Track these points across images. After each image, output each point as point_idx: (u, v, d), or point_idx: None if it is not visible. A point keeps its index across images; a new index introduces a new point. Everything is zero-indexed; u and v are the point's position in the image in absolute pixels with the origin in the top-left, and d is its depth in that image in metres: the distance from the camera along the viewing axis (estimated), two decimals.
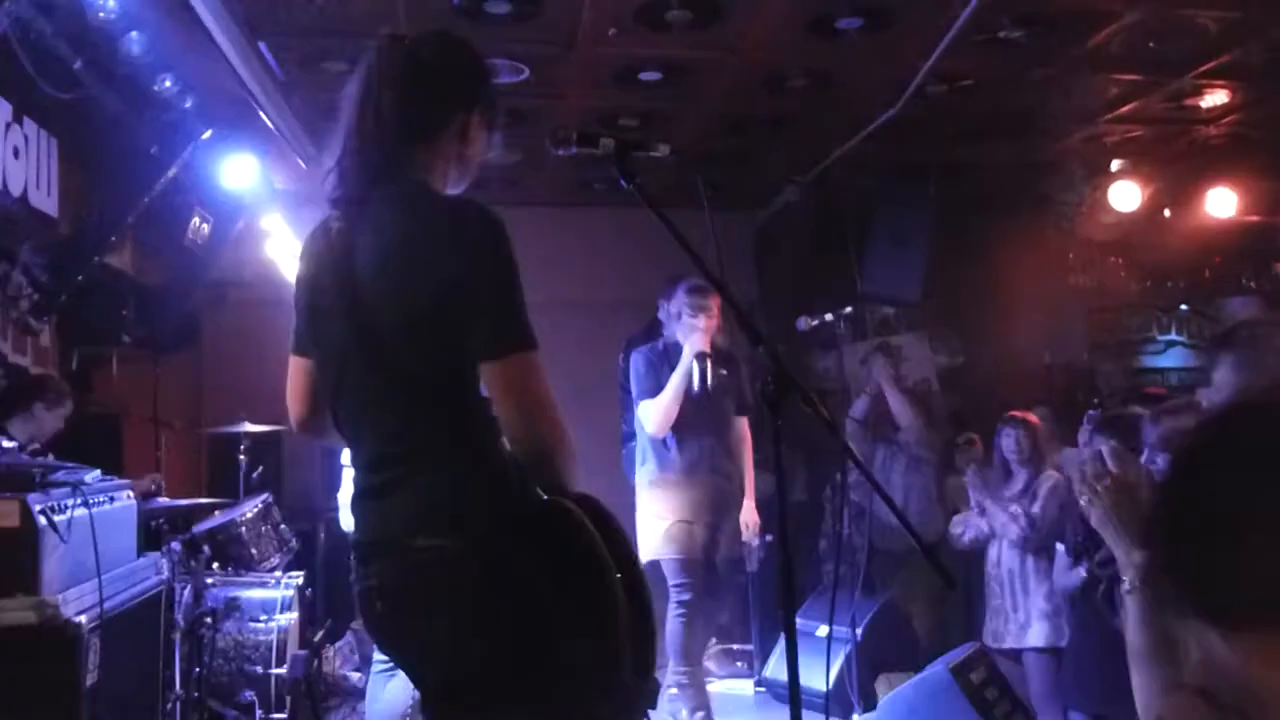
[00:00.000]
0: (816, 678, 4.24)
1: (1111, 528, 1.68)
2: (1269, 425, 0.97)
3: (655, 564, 4.43)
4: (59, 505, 2.82)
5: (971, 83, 4.94)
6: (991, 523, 4.56)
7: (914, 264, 6.24)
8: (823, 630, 4.50)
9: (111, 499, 3.16)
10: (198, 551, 4.13)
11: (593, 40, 4.33)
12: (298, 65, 4.47)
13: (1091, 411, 5.04)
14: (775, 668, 5.17)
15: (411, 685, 2.03)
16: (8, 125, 3.95)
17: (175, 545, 4.04)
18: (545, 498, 1.77)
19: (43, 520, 2.72)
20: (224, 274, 6.00)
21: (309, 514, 5.76)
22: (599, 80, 4.87)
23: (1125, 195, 6.61)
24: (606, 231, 6.68)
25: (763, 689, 5.38)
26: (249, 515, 4.62)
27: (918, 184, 6.31)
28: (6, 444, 3.29)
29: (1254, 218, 7.06)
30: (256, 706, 4.01)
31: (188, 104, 4.46)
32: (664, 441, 4.55)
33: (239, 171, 5.13)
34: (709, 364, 4.41)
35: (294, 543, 4.85)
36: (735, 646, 5.87)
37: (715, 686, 4.71)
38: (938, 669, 4.13)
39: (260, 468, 5.30)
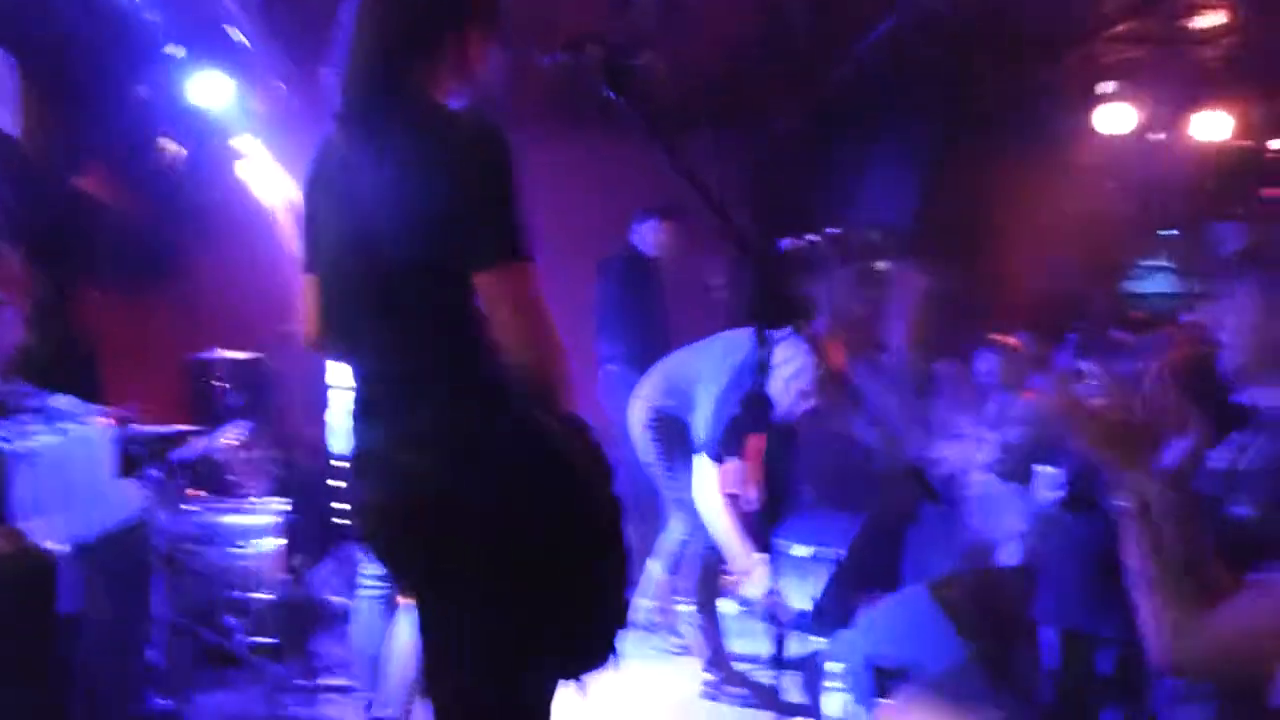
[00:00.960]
0: (799, 598, 4.29)
1: (1105, 450, 1.63)
2: None
3: None
4: (29, 432, 2.77)
5: None
6: (965, 448, 4.59)
7: (908, 188, 6.22)
8: (801, 549, 4.52)
9: (86, 426, 3.11)
10: (177, 478, 4.10)
11: None
12: None
13: (1070, 334, 5.04)
14: None
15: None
16: None
17: (154, 472, 4.01)
18: (538, 420, 1.78)
19: (11, 447, 2.67)
20: (200, 199, 5.88)
21: (291, 440, 5.73)
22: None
23: (1119, 118, 6.55)
24: (599, 157, 6.57)
25: (746, 606, 5.43)
26: (229, 442, 4.58)
27: (912, 109, 6.24)
28: None
29: (1245, 142, 7.00)
30: (240, 631, 4.02)
31: (156, 18, 4.31)
32: None
33: (212, 92, 4.97)
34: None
35: (275, 469, 4.83)
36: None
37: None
38: (915, 586, 4.17)
39: (241, 395, 5.25)
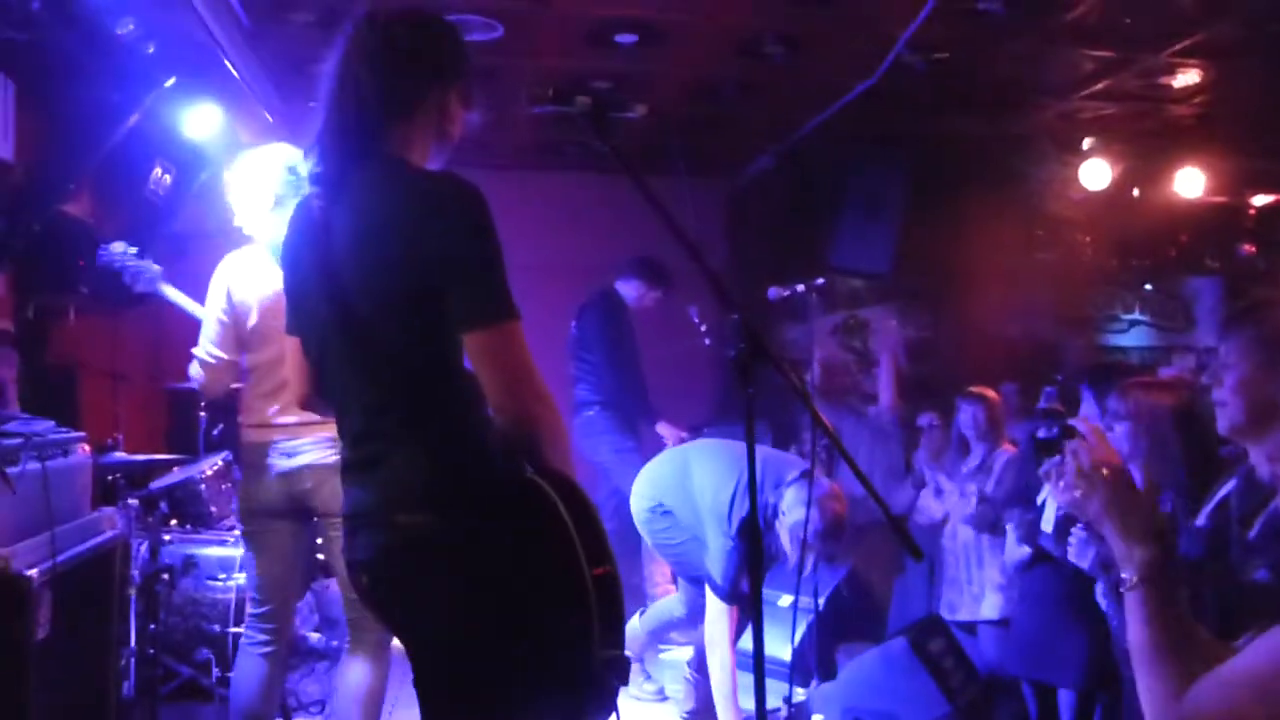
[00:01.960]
0: (780, 647, 4.28)
1: (1112, 522, 1.58)
2: None
3: None
4: (9, 456, 2.75)
5: (947, 55, 4.93)
6: (945, 502, 4.62)
7: (885, 236, 6.24)
8: (785, 600, 4.52)
9: (65, 451, 3.08)
10: (155, 508, 4.07)
11: None
12: (264, 13, 4.36)
13: (1049, 388, 5.09)
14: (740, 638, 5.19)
15: None
16: None
17: (132, 501, 3.97)
18: (524, 476, 1.78)
19: None
20: (185, 226, 5.87)
21: None
22: (572, 41, 4.79)
23: (1096, 173, 6.65)
24: (577, 197, 6.61)
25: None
26: (208, 473, 4.55)
27: (890, 156, 6.30)
28: None
29: (1220, 199, 7.13)
30: (213, 665, 3.96)
31: (150, 49, 4.33)
32: None
33: (202, 121, 4.99)
34: None
35: None
36: None
37: (683, 653, 4.72)
38: (897, 639, 4.17)
39: (220, 425, 5.21)
